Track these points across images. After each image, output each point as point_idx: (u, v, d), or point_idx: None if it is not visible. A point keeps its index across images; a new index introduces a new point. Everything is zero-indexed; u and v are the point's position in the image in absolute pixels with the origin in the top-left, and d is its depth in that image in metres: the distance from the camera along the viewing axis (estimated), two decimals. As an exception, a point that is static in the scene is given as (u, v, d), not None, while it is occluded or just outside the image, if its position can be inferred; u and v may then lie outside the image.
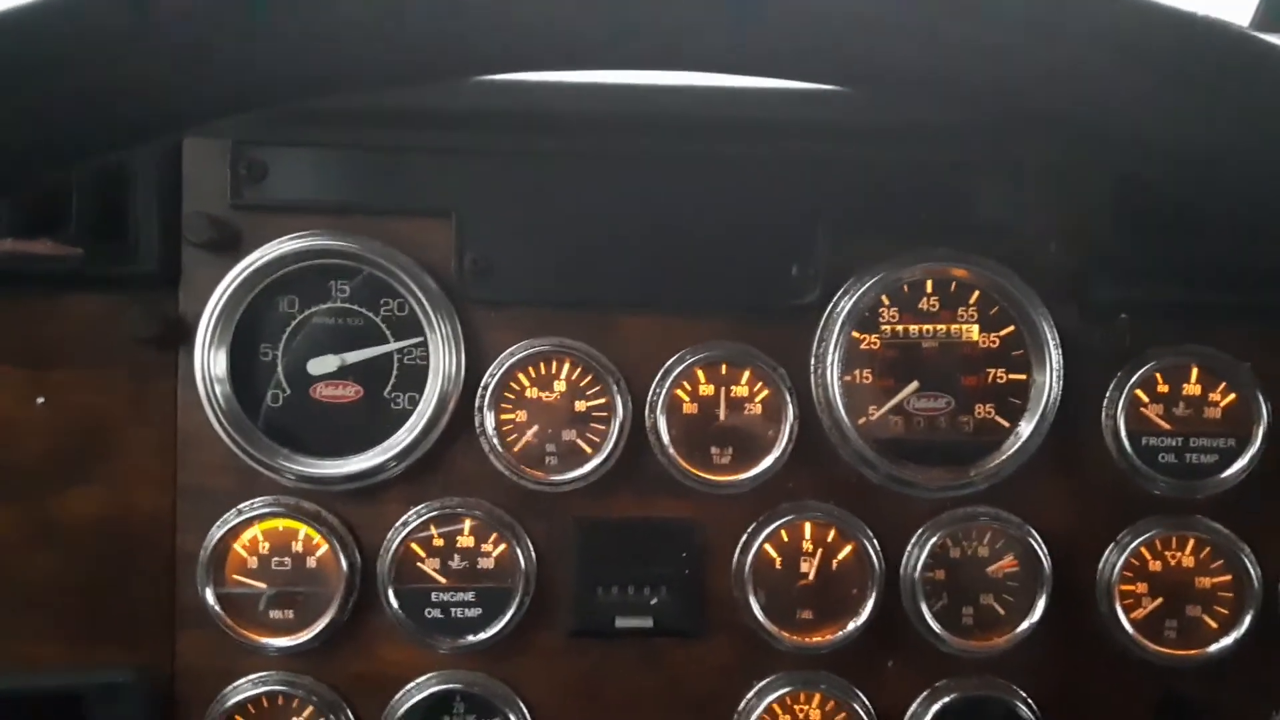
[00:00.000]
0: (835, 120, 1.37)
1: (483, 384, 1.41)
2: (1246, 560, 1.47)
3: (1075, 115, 0.50)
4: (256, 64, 0.52)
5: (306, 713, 1.42)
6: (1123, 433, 1.45)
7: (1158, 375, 1.46)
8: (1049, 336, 1.42)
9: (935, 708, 1.46)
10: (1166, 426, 1.46)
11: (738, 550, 1.45)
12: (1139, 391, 1.46)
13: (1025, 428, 1.44)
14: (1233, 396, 1.47)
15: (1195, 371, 1.47)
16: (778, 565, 1.45)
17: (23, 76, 0.49)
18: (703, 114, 1.37)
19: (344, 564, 1.40)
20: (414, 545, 1.42)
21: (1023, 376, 1.45)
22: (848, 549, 1.46)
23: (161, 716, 1.40)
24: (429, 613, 1.42)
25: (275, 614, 1.41)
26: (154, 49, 0.49)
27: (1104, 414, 1.47)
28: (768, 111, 1.37)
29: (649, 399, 1.43)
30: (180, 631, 1.41)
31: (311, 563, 1.41)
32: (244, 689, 1.41)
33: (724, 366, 1.44)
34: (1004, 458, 1.44)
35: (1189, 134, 0.50)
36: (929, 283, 1.45)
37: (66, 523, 1.39)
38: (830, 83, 0.53)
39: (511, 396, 1.42)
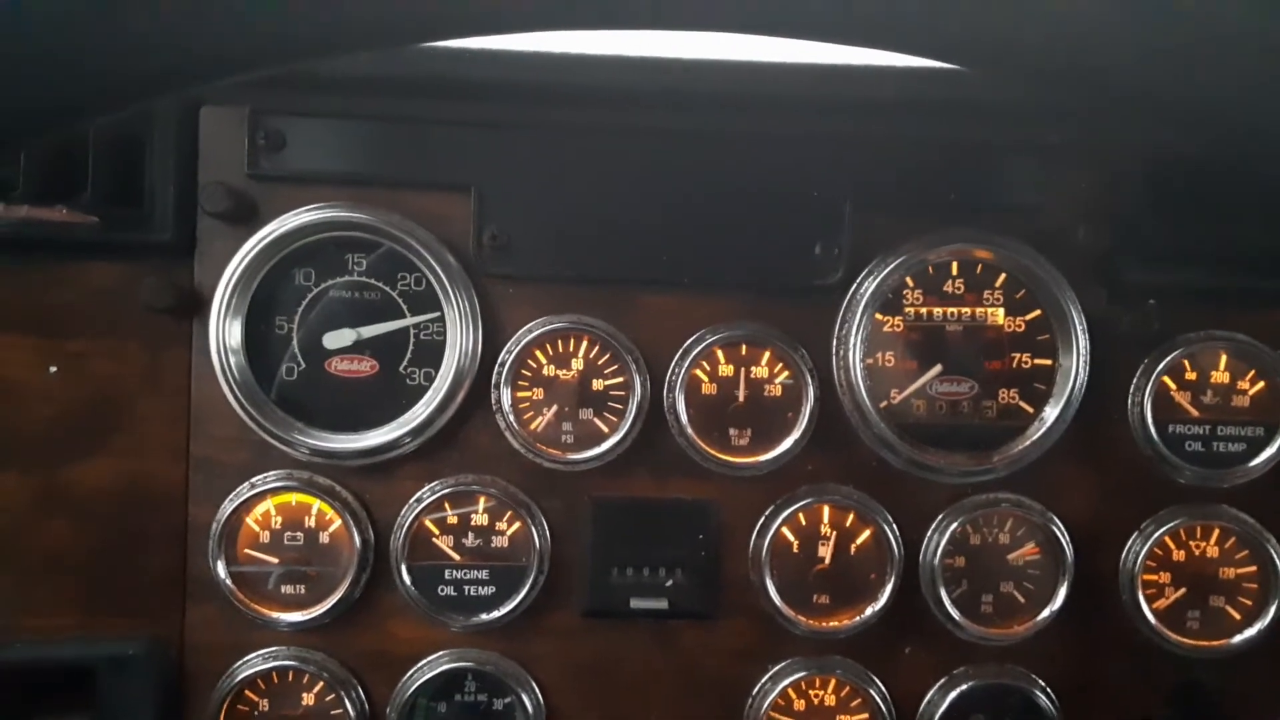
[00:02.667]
0: (861, 98, 1.35)
1: (499, 360, 1.39)
2: (1272, 550, 1.44)
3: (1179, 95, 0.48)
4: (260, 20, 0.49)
5: (317, 688, 1.41)
6: (1149, 420, 1.43)
7: (1185, 362, 1.44)
8: (1076, 321, 1.40)
9: (952, 695, 1.45)
10: (1194, 414, 1.44)
11: (755, 533, 1.43)
12: (1166, 378, 1.44)
13: (1050, 413, 1.41)
14: (1262, 385, 1.45)
15: (1224, 358, 1.44)
16: (795, 549, 1.43)
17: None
18: (727, 89, 1.35)
19: (357, 540, 1.38)
20: (428, 522, 1.40)
21: (1048, 361, 1.42)
22: (866, 533, 1.44)
23: (172, 690, 1.39)
24: (442, 590, 1.41)
25: (287, 589, 1.40)
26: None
27: (1130, 400, 1.44)
28: (792, 88, 1.34)
29: (667, 378, 1.41)
30: (191, 604, 1.40)
31: (324, 538, 1.40)
32: (254, 663, 1.40)
33: (744, 347, 1.42)
34: (1028, 444, 1.41)
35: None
36: (954, 264, 1.42)
37: (77, 492, 1.37)
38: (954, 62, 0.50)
39: (528, 374, 1.41)
